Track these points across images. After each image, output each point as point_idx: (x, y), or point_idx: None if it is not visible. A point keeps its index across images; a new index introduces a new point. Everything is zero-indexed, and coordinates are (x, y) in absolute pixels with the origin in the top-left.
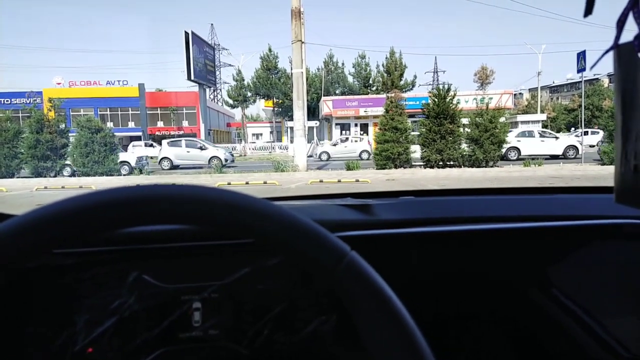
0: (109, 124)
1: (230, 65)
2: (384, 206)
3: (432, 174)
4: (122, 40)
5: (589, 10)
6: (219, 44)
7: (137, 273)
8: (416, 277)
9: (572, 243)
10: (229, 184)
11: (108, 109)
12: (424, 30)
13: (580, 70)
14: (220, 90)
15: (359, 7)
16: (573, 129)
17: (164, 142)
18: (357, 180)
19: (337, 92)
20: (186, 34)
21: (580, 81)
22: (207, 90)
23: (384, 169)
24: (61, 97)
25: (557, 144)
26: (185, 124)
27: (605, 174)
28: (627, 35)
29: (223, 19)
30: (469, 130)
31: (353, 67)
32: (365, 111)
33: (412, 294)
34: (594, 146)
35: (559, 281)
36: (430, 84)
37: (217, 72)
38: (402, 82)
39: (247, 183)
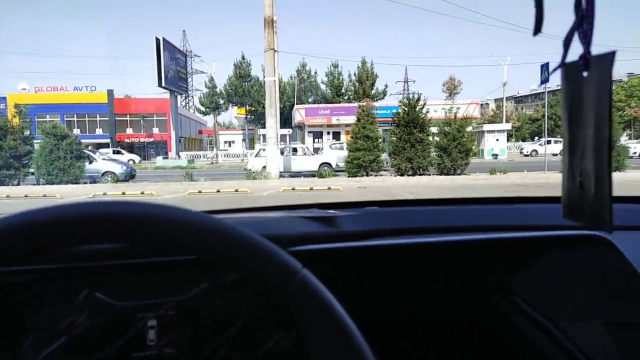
0: (76, 131)
1: (202, 72)
2: (349, 217)
3: (403, 181)
4: (91, 46)
5: (537, 28)
6: (191, 51)
7: (88, 290)
8: (379, 289)
9: (533, 253)
10: (199, 192)
11: (75, 116)
12: (395, 41)
13: (544, 81)
14: (192, 97)
15: (333, 17)
16: (537, 138)
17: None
18: (329, 188)
19: (309, 100)
20: (157, 40)
21: (544, 92)
22: (179, 97)
23: (355, 176)
24: (27, 103)
25: None
26: (155, 131)
27: None
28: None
29: (196, 26)
30: (438, 139)
31: (326, 75)
32: (337, 119)
33: (374, 306)
34: (557, 155)
35: (522, 290)
36: (401, 94)
37: (189, 79)
38: (373, 91)
39: (218, 191)
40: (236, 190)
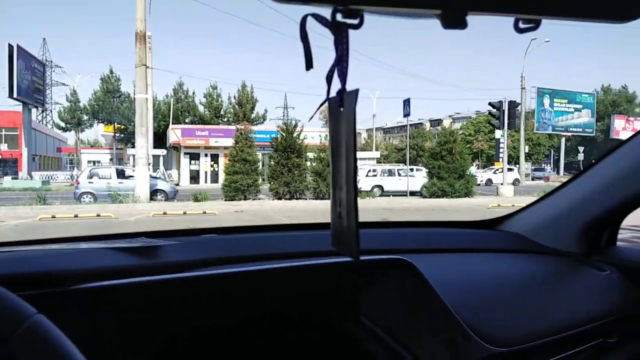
0: None
1: (64, 84)
2: (174, 247)
3: (280, 205)
4: None
5: (309, 64)
6: (51, 61)
7: None
8: (199, 322)
9: (352, 276)
10: (53, 217)
11: None
12: (276, 67)
13: (406, 115)
14: (51, 111)
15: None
16: (402, 165)
17: None
18: (205, 212)
19: (187, 120)
20: (10, 47)
21: (406, 124)
22: (34, 110)
23: (233, 200)
24: None
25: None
26: (3, 147)
27: (425, 206)
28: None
29: (58, 35)
30: (314, 164)
31: (204, 97)
32: (216, 141)
33: (196, 339)
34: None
35: (364, 311)
36: (280, 119)
37: (48, 91)
38: (253, 115)
39: (76, 216)
40: (98, 215)
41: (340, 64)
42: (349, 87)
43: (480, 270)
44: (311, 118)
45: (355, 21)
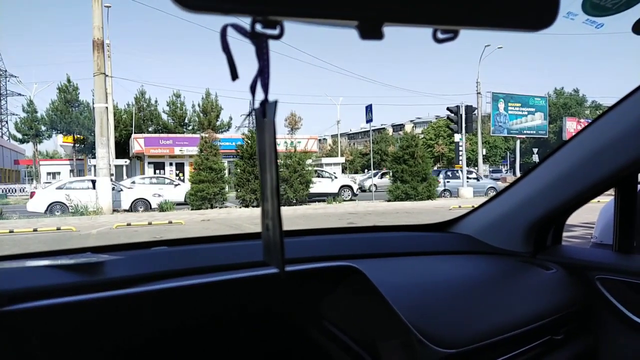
0: None
1: (20, 94)
2: (119, 262)
3: (248, 213)
4: None
5: (234, 75)
6: (5, 70)
7: None
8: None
9: (305, 285)
10: (11, 232)
11: None
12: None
13: (369, 120)
14: (7, 122)
15: (176, 46)
16: (366, 170)
17: None
18: (170, 222)
19: (150, 129)
20: None
21: (369, 130)
22: None
23: (200, 209)
24: None
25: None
26: None
27: (390, 209)
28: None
29: (12, 43)
30: (281, 170)
31: (167, 105)
32: (180, 150)
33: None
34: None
35: (315, 318)
36: (246, 127)
37: (3, 102)
38: (219, 123)
39: (35, 230)
40: (58, 229)
41: (262, 75)
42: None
43: (429, 274)
44: (238, 127)
45: (275, 32)
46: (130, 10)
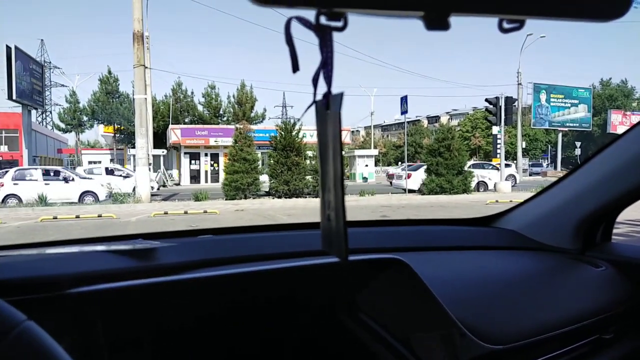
0: None
1: (63, 85)
2: (172, 248)
3: (280, 204)
4: None
5: (295, 66)
6: (49, 62)
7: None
8: (206, 324)
9: (352, 276)
10: (55, 218)
11: None
12: (273, 66)
13: (403, 112)
14: (51, 112)
15: (212, 39)
16: (400, 162)
17: None
18: (206, 212)
19: (186, 120)
20: (8, 48)
21: (404, 121)
22: (34, 111)
23: (233, 199)
24: None
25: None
26: (3, 149)
27: (425, 203)
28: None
29: (57, 35)
30: (314, 163)
31: (203, 96)
32: (215, 141)
33: (204, 340)
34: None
35: (357, 309)
36: (279, 118)
37: (47, 93)
38: (253, 114)
39: (77, 217)
40: (99, 216)
41: (326, 67)
42: (341, 87)
43: (475, 268)
44: (300, 119)
45: (340, 24)
46: (169, 2)
